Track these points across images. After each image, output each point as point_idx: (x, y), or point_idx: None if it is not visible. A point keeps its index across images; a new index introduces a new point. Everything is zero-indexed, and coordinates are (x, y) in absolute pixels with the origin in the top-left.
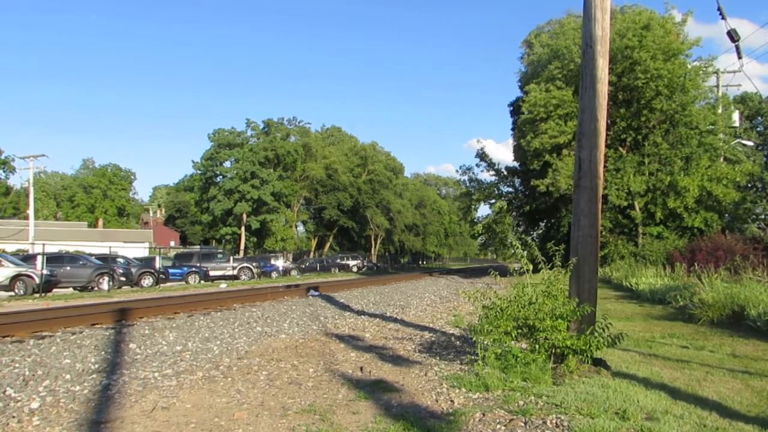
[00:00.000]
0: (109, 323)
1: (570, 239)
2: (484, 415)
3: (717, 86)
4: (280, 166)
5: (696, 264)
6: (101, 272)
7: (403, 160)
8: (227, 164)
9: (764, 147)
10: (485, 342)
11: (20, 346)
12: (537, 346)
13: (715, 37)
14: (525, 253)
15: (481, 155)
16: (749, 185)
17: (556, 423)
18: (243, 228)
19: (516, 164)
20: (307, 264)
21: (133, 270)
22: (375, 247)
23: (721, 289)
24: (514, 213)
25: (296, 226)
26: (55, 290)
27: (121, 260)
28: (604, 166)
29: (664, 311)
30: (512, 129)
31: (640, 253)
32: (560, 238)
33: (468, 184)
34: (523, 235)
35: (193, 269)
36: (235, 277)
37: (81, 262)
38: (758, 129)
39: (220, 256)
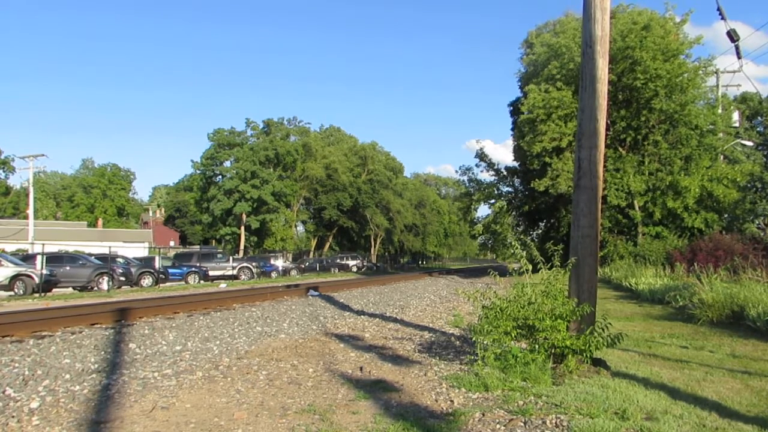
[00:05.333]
0: (109, 323)
1: (569, 239)
2: (483, 415)
3: (717, 86)
4: (279, 166)
5: (696, 264)
6: (101, 272)
7: (403, 160)
8: (227, 164)
9: (764, 147)
10: (485, 342)
11: (20, 345)
12: (536, 346)
13: (712, 39)
14: (524, 253)
15: (481, 155)
16: (749, 185)
17: (555, 423)
18: (243, 228)
19: (516, 164)
20: (307, 264)
21: (133, 270)
22: (375, 247)
23: (720, 289)
24: (513, 213)
25: (296, 226)
26: (54, 290)
27: (120, 260)
28: (604, 166)
29: (663, 311)
30: (512, 129)
31: (639, 253)
32: (560, 238)
33: (468, 185)
34: (522, 235)
35: (193, 269)
36: (235, 277)
37: (80, 262)
38: (758, 129)
39: (219, 256)
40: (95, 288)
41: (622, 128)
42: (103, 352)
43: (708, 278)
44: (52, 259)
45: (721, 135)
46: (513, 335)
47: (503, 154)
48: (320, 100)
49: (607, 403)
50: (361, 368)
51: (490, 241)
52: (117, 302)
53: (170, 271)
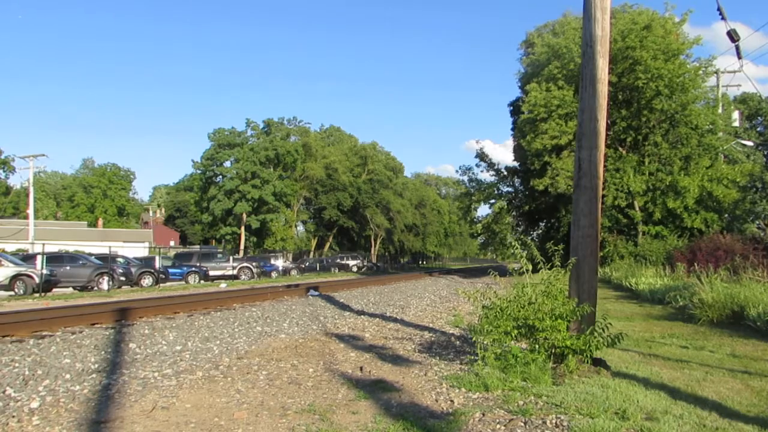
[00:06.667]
0: (109, 323)
1: (570, 239)
2: (483, 415)
3: (717, 86)
4: (280, 166)
5: (696, 264)
6: (101, 272)
7: (403, 160)
8: (227, 164)
9: (764, 147)
10: (485, 342)
11: (20, 345)
12: (537, 346)
13: (711, 40)
14: (524, 253)
15: (481, 155)
16: (749, 185)
17: (555, 423)
18: (243, 228)
19: (516, 164)
20: (307, 264)
21: (133, 270)
22: (375, 247)
23: (720, 289)
24: (513, 213)
25: (296, 226)
26: (54, 290)
27: (120, 260)
28: (604, 166)
29: (663, 311)
30: (512, 129)
31: (639, 253)
32: (560, 238)
33: (468, 184)
34: (522, 235)
35: (193, 269)
36: (235, 277)
37: (81, 262)
38: (758, 129)
39: (219, 255)
40: (95, 288)
41: (623, 128)
42: (103, 352)
43: (708, 278)
44: (53, 258)
45: (721, 135)
46: (513, 335)
47: (503, 154)
48: (320, 100)
49: (607, 403)
50: (361, 368)
51: (490, 241)
52: (117, 302)
53: (170, 270)
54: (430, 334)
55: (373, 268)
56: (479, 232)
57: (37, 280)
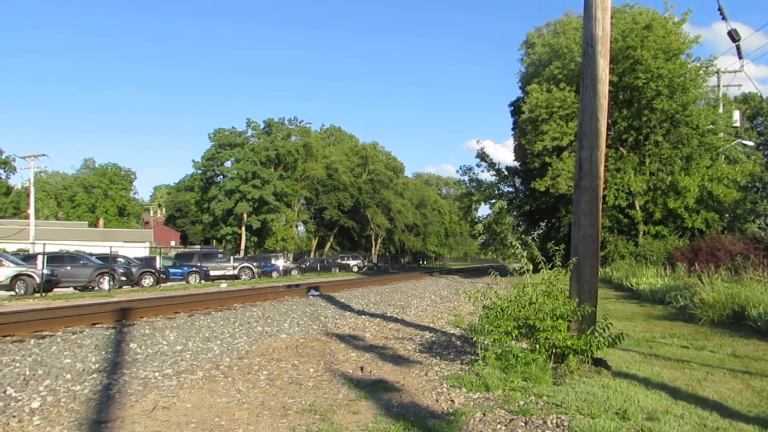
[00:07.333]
0: (110, 323)
1: (570, 239)
2: (484, 414)
3: (718, 86)
4: (280, 165)
5: (697, 264)
6: (102, 272)
7: (404, 160)
8: (228, 164)
9: (765, 147)
10: (485, 342)
11: (21, 345)
12: (537, 346)
13: (711, 40)
14: (525, 253)
15: (482, 155)
16: (750, 185)
17: (556, 423)
18: (243, 228)
19: (516, 164)
20: (308, 264)
21: (134, 270)
22: (375, 246)
23: (721, 289)
24: (514, 213)
25: (297, 226)
26: (55, 290)
27: (121, 260)
28: (605, 166)
29: (664, 311)
30: (513, 129)
31: (640, 253)
32: (560, 238)
33: (468, 184)
34: (523, 235)
35: (194, 269)
36: (236, 277)
37: (81, 262)
38: (759, 129)
39: (220, 255)
40: (96, 288)
41: (624, 128)
42: (103, 352)
43: (709, 278)
44: (53, 258)
45: (721, 135)
46: (514, 335)
47: (504, 154)
48: (321, 99)
49: (608, 403)
50: (361, 368)
51: (490, 241)
52: (118, 302)
53: (171, 270)
54: (431, 334)
55: (374, 268)
56: (480, 232)
57: (37, 280)
